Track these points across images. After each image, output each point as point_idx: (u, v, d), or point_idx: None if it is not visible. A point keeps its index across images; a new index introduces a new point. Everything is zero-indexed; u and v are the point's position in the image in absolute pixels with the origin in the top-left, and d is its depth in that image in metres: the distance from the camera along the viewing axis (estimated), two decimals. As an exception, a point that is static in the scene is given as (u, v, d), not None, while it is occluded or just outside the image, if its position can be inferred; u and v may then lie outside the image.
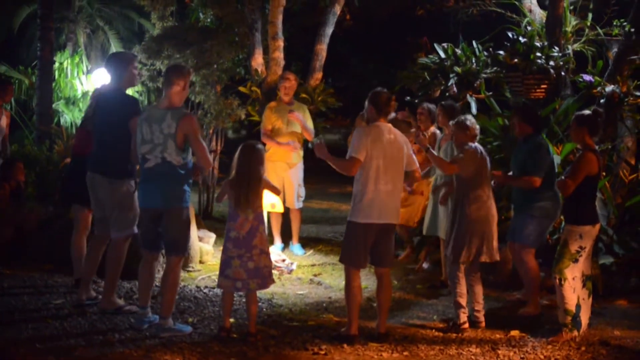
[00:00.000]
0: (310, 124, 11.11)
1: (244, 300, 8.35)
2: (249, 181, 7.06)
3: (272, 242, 11.27)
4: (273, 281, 7.29)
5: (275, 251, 10.62)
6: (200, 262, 10.14)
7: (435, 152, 9.26)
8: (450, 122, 8.03)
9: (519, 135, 8.54)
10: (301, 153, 11.17)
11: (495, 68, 10.09)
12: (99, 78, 15.30)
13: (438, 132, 9.86)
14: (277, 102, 11.19)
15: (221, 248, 10.99)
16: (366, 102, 7.44)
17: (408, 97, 11.44)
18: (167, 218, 7.12)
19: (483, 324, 7.79)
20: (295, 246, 11.29)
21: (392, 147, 7.25)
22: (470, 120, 7.87)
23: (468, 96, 10.13)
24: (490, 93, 10.27)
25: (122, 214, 7.64)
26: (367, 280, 9.54)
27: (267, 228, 10.98)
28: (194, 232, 9.95)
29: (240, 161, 7.10)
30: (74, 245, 8.55)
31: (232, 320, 7.58)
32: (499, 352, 7.00)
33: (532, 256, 8.41)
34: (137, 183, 7.54)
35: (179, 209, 7.13)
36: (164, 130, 6.98)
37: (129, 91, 8.08)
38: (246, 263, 7.05)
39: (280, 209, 10.09)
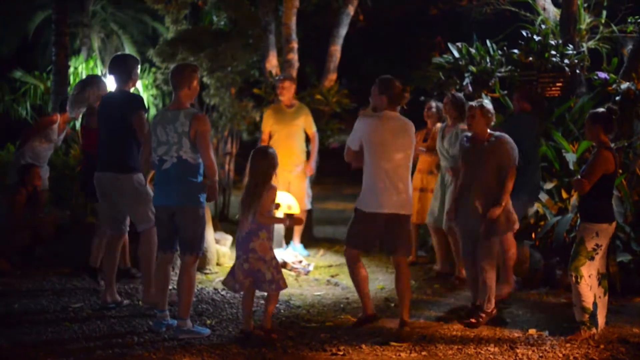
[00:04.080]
0: (311, 125, 11.08)
1: (262, 302, 8.39)
2: (255, 184, 7.08)
3: (287, 242, 11.28)
4: (274, 289, 7.10)
5: (293, 252, 10.64)
6: (217, 264, 10.16)
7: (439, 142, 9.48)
8: (472, 104, 8.00)
9: (515, 111, 8.69)
10: (304, 155, 11.14)
11: (509, 67, 10.07)
12: (114, 82, 15.34)
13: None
14: (276, 105, 11.20)
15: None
16: (375, 89, 7.47)
17: (422, 97, 11.43)
18: (182, 217, 7.13)
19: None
20: (298, 246, 11.27)
21: (397, 137, 7.31)
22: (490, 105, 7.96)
23: (483, 95, 10.11)
24: (505, 92, 10.25)
25: (140, 207, 7.77)
26: (385, 281, 9.56)
27: (285, 229, 11.03)
28: (210, 234, 9.99)
29: (252, 165, 7.14)
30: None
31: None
32: (518, 350, 6.98)
33: (509, 237, 8.56)
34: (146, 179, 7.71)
35: (195, 207, 7.14)
36: (177, 129, 7.04)
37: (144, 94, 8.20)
38: (242, 264, 7.06)
39: (296, 210, 10.10)
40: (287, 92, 10.90)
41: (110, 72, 8.04)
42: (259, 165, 7.09)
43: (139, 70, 8.08)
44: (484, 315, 7.74)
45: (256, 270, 7.03)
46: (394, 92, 7.38)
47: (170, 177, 7.11)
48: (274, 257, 7.15)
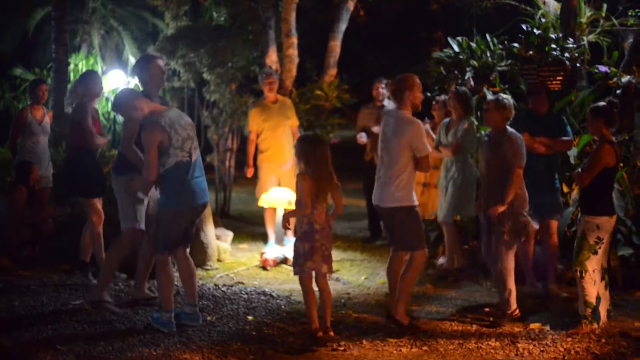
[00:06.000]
0: (295, 118, 10.91)
1: (262, 297, 8.39)
2: (330, 173, 7.18)
3: (266, 240, 10.97)
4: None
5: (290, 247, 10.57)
6: (218, 260, 10.15)
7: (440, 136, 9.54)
8: (489, 98, 8.04)
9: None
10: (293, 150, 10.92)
11: (510, 61, 10.07)
12: (114, 79, 15.35)
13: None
14: (261, 102, 10.97)
15: (239, 246, 11.03)
16: None
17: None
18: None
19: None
20: (293, 239, 11.12)
21: (392, 134, 7.46)
22: (508, 100, 7.86)
23: (485, 89, 10.08)
24: (506, 86, 10.22)
25: (123, 206, 7.76)
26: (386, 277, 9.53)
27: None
28: (211, 230, 9.98)
29: (315, 152, 7.09)
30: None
31: (250, 317, 7.60)
32: (519, 345, 6.98)
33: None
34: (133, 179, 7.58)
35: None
36: (189, 123, 7.26)
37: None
38: (323, 252, 7.15)
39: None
40: (275, 87, 10.81)
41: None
42: (323, 152, 7.15)
43: (155, 68, 7.67)
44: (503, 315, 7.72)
45: (329, 255, 7.28)
46: (393, 89, 7.59)
47: (202, 168, 7.28)
48: None
